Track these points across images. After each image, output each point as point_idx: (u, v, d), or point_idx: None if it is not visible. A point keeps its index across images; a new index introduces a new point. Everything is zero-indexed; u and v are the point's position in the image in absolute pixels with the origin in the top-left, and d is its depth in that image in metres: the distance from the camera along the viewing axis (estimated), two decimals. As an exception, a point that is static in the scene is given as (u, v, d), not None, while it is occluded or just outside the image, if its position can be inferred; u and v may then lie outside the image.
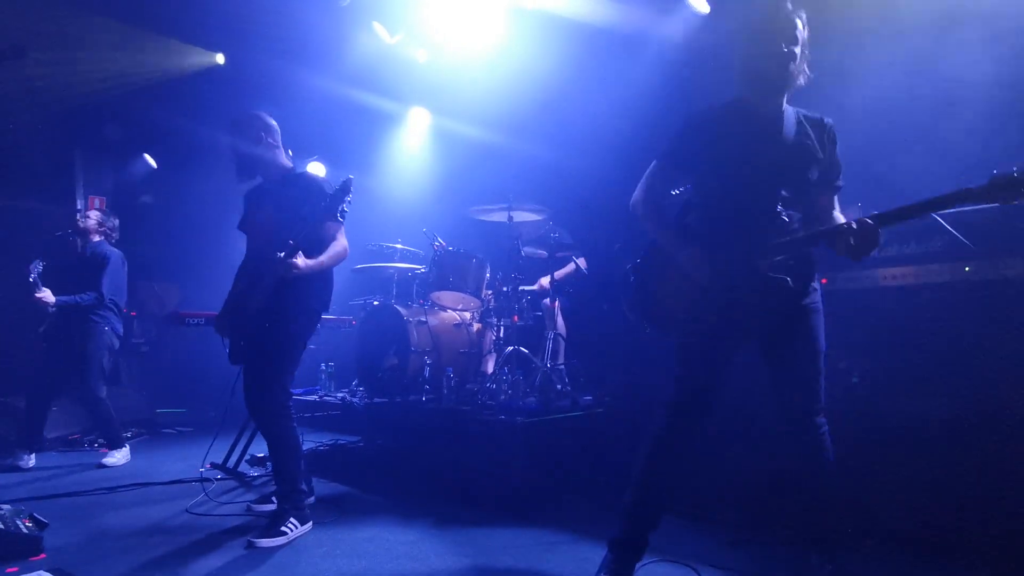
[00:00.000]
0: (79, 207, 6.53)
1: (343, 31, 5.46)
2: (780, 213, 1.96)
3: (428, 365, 4.07)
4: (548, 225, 4.51)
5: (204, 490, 3.36)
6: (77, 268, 4.46)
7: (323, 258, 2.77)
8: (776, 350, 2.05)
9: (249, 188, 3.12)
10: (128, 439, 4.97)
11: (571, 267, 4.64)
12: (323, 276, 2.88)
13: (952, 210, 2.51)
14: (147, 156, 7.20)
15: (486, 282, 4.33)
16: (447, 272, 4.25)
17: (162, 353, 6.87)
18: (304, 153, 6.86)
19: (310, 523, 2.79)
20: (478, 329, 4.45)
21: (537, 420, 3.24)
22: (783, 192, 1.97)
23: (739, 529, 2.52)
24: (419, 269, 4.78)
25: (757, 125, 2.03)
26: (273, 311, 2.74)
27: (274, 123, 3.00)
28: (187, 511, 3.09)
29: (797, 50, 1.94)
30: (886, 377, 2.59)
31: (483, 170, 5.50)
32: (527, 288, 4.20)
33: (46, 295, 4.12)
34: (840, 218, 2.02)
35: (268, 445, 2.87)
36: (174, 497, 3.36)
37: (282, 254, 2.60)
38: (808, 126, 2.05)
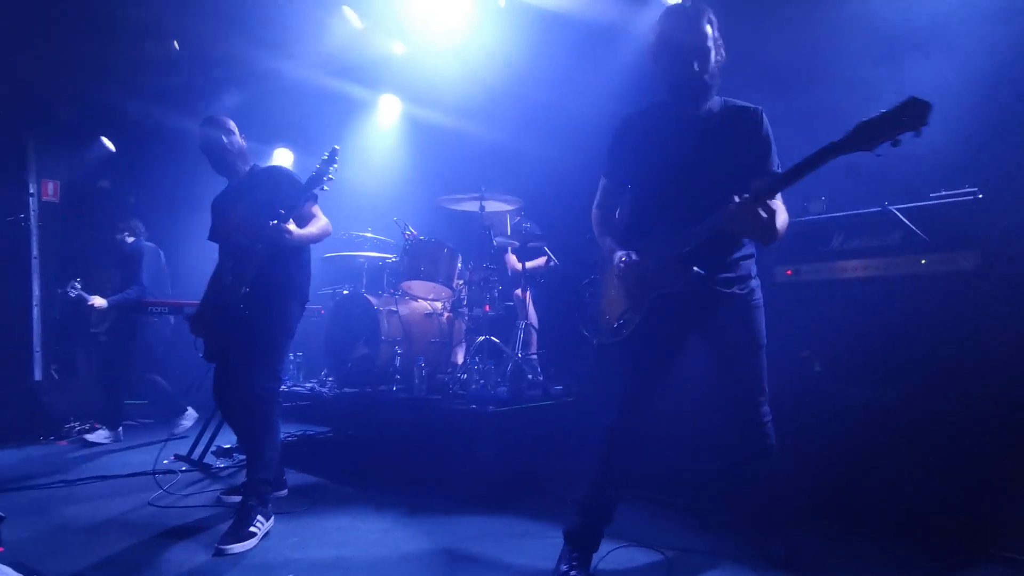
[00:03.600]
0: (31, 191, 6.28)
1: (311, 15, 5.33)
2: (699, 209, 1.92)
3: (399, 355, 4.05)
4: (520, 215, 4.52)
5: (161, 484, 3.29)
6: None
7: (313, 229, 2.81)
8: (716, 345, 2.08)
9: (216, 196, 3.10)
10: (86, 431, 4.84)
11: (542, 260, 4.65)
12: (301, 262, 2.92)
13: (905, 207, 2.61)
14: (105, 139, 6.94)
15: (458, 272, 4.32)
16: (418, 261, 4.22)
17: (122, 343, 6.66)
18: (272, 139, 6.72)
19: (272, 518, 2.67)
20: (449, 319, 4.44)
21: (508, 409, 3.26)
22: (706, 188, 1.96)
23: (708, 514, 2.58)
24: (390, 258, 4.74)
25: (676, 125, 2.06)
26: (258, 296, 2.72)
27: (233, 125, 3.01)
28: (150, 504, 3.02)
29: (711, 59, 1.97)
30: (846, 366, 2.68)
31: (455, 159, 5.46)
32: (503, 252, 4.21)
33: (96, 301, 4.62)
34: (779, 207, 1.95)
35: (246, 433, 2.82)
36: (136, 490, 3.28)
37: (274, 222, 2.62)
38: (734, 117, 2.06)
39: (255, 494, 2.60)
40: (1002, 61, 2.88)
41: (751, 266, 2.10)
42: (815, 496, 2.52)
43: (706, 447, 2.80)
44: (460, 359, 4.20)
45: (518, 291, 4.27)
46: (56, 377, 5.99)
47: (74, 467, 3.86)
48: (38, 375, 5.90)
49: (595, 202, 2.30)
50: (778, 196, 1.97)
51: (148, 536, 2.58)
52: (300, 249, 2.89)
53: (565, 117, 4.61)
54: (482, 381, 3.63)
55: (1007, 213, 2.48)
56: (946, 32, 3.07)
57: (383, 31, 5.52)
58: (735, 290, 2.03)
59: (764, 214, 1.77)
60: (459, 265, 4.34)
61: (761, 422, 2.08)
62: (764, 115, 2.07)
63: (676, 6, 2.04)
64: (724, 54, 2.03)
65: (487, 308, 3.99)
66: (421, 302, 4.49)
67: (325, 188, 2.72)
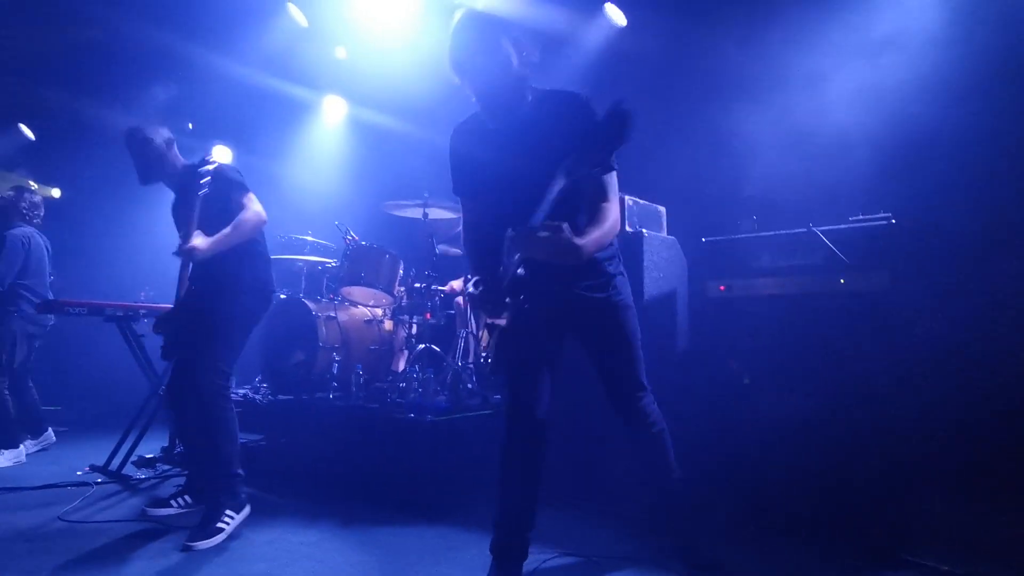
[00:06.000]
0: (-62, 179, 5.83)
1: (253, 11, 5.19)
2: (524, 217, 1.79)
3: (337, 362, 3.97)
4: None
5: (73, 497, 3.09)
6: None
7: (227, 230, 2.66)
8: (587, 346, 2.12)
9: (172, 205, 3.01)
10: None
11: None
12: (240, 253, 2.76)
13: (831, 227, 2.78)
14: (23, 127, 6.52)
15: (399, 279, 4.28)
16: (359, 267, 4.15)
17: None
18: (209, 135, 6.48)
19: (247, 508, 2.68)
20: (390, 326, 4.38)
21: (446, 419, 3.24)
22: (535, 194, 1.81)
23: (642, 522, 2.63)
24: (330, 263, 4.65)
25: (490, 137, 2.01)
26: (199, 293, 2.70)
27: (160, 132, 2.86)
28: (60, 518, 2.83)
29: (497, 71, 1.91)
30: (773, 378, 2.81)
31: (400, 164, 5.42)
32: (439, 288, 4.18)
33: None
34: (604, 209, 1.92)
35: (201, 431, 2.72)
36: (47, 503, 3.07)
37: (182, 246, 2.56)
38: (547, 109, 1.98)
39: (223, 490, 2.60)
40: (907, 99, 3.13)
41: (612, 266, 2.08)
42: (739, 500, 2.62)
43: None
44: (400, 367, 4.15)
45: (459, 299, 4.26)
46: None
47: (-25, 479, 3.58)
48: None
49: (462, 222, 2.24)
50: (608, 201, 1.91)
51: (58, 552, 2.41)
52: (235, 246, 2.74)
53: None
54: (421, 390, 3.59)
55: (916, 237, 2.68)
56: (862, 72, 3.30)
57: (328, 30, 5.43)
58: (596, 294, 2.03)
59: (548, 236, 1.70)
60: (401, 272, 4.29)
61: (643, 412, 2.10)
62: (584, 99, 1.98)
63: (457, 23, 1.97)
64: (527, 52, 1.97)
65: (428, 316, 3.97)
66: (361, 308, 4.41)
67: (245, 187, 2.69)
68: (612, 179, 1.97)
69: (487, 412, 3.49)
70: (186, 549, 2.40)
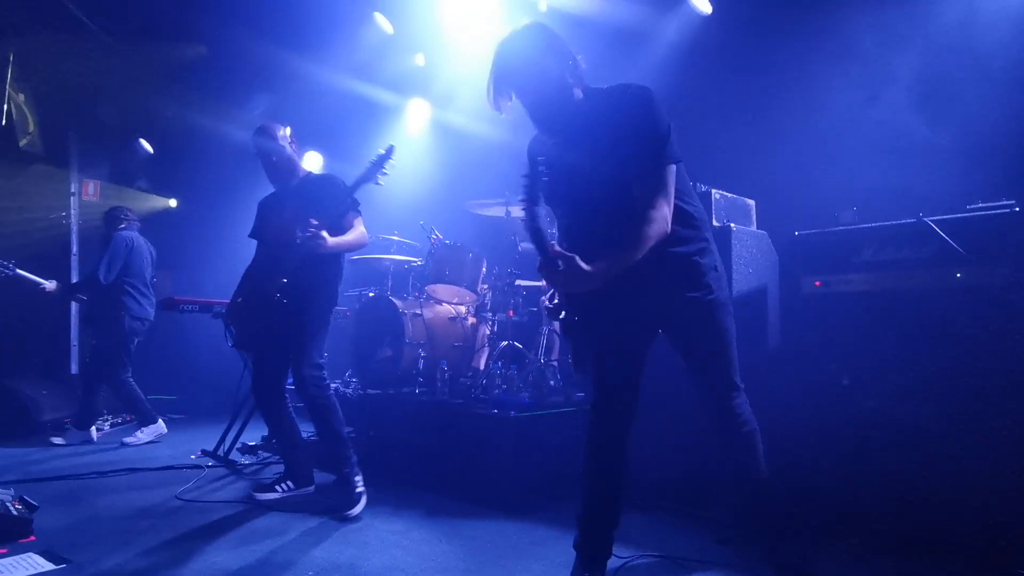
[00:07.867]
0: (72, 190, 6.50)
1: (342, 20, 5.43)
2: (601, 223, 1.87)
3: (422, 358, 4.08)
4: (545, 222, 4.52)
5: (188, 479, 3.36)
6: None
7: (348, 238, 2.95)
8: (679, 344, 2.06)
9: (264, 197, 3.30)
10: (118, 425, 4.99)
11: None
12: (338, 266, 3.11)
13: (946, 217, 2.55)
14: (143, 141, 7.15)
15: (482, 276, 4.34)
16: (443, 265, 4.25)
17: (153, 339, 6.82)
18: (301, 142, 6.85)
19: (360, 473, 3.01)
20: (473, 323, 4.46)
21: (529, 415, 3.26)
22: (596, 199, 1.91)
23: (730, 527, 2.54)
24: (415, 262, 4.78)
25: (547, 147, 2.01)
26: (293, 290, 2.91)
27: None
28: (177, 497, 3.09)
29: (547, 85, 1.91)
30: (875, 380, 2.62)
31: (482, 164, 5.49)
32: (523, 284, 4.19)
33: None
34: (643, 218, 1.81)
35: (319, 419, 3.00)
36: (165, 483, 3.36)
37: (310, 231, 2.76)
38: (598, 109, 1.94)
39: (343, 461, 2.95)
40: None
41: (705, 259, 1.99)
42: (838, 509, 2.46)
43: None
44: (483, 363, 4.21)
45: (544, 298, 4.26)
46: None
47: (105, 459, 3.98)
48: (74, 369, 6.10)
49: None
50: (652, 208, 1.81)
51: (176, 528, 2.64)
52: (337, 255, 3.03)
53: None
54: (504, 386, 3.63)
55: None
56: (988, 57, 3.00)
57: (414, 36, 5.59)
58: (689, 293, 1.96)
59: (563, 270, 1.77)
60: (484, 270, 4.35)
61: (734, 412, 2.03)
62: (635, 92, 1.89)
63: (502, 40, 1.98)
64: (572, 61, 1.95)
65: (511, 313, 4.00)
66: (445, 306, 4.51)
67: (380, 183, 2.86)
68: (665, 174, 1.85)
69: (570, 409, 3.47)
70: (344, 519, 2.74)
